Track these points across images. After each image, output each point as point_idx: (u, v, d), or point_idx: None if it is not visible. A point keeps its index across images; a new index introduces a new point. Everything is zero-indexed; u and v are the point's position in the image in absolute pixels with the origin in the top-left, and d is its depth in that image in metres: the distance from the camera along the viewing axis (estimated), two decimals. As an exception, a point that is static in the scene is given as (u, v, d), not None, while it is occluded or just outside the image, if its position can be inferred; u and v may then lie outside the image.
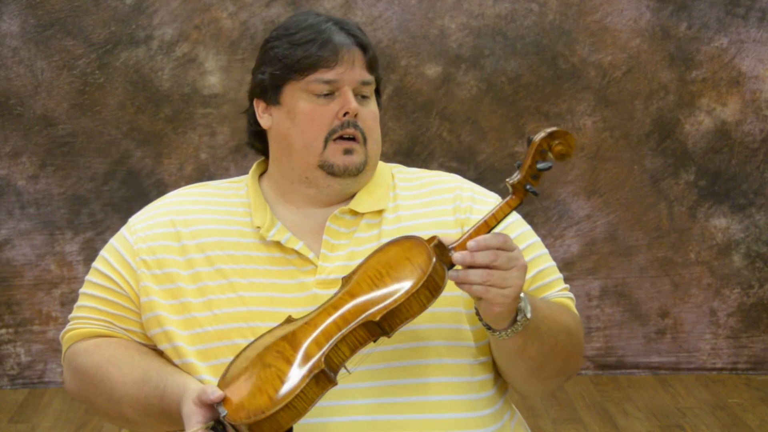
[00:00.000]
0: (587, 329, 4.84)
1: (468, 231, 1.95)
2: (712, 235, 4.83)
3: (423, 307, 1.91)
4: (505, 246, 1.91)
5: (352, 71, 2.13)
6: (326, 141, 2.12)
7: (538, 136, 1.95)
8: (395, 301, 1.91)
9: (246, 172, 2.25)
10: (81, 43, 4.67)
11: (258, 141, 2.24)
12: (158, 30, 4.68)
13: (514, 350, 2.03)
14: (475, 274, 1.91)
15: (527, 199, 1.97)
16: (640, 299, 4.85)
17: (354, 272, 1.99)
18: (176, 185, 4.64)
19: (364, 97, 2.16)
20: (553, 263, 2.19)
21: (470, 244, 1.91)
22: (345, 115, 2.12)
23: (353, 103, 2.12)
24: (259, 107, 2.20)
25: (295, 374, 1.90)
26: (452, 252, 1.93)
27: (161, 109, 4.71)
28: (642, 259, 4.84)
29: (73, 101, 4.68)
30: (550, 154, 1.96)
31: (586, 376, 4.83)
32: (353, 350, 1.92)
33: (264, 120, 2.19)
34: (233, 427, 1.91)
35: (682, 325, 4.86)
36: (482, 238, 1.91)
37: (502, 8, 4.72)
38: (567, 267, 4.80)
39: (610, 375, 4.85)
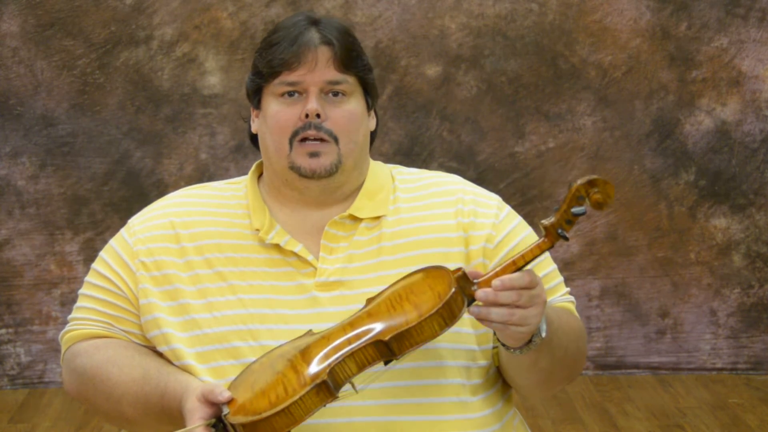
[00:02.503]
0: (587, 329, 4.84)
1: (495, 268, 1.95)
2: (712, 235, 4.83)
3: (435, 333, 1.91)
4: (530, 285, 1.90)
5: (314, 72, 2.10)
6: (291, 142, 2.11)
7: (578, 182, 1.95)
8: (407, 323, 1.91)
9: (246, 172, 2.24)
10: (81, 43, 4.67)
11: (257, 145, 2.24)
12: (158, 30, 4.68)
13: (526, 364, 2.03)
14: (496, 314, 1.90)
15: (558, 242, 1.97)
16: (640, 299, 4.85)
17: (379, 294, 2.00)
18: (176, 185, 4.64)
19: (336, 95, 2.12)
20: (554, 266, 2.19)
21: (495, 282, 1.89)
22: (307, 116, 2.11)
23: (312, 104, 2.09)
24: (253, 112, 2.21)
25: (299, 382, 1.91)
26: (476, 287, 1.93)
27: (161, 109, 4.71)
28: (642, 259, 4.84)
29: (73, 101, 4.68)
30: (587, 201, 1.96)
31: (586, 376, 4.82)
32: (360, 368, 1.92)
33: (254, 125, 2.20)
34: (232, 426, 1.92)
35: (682, 325, 4.86)
36: (508, 278, 1.90)
37: (502, 8, 4.72)
38: (567, 267, 4.80)
39: (610, 375, 4.85)
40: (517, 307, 1.89)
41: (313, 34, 2.12)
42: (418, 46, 4.72)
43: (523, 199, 4.78)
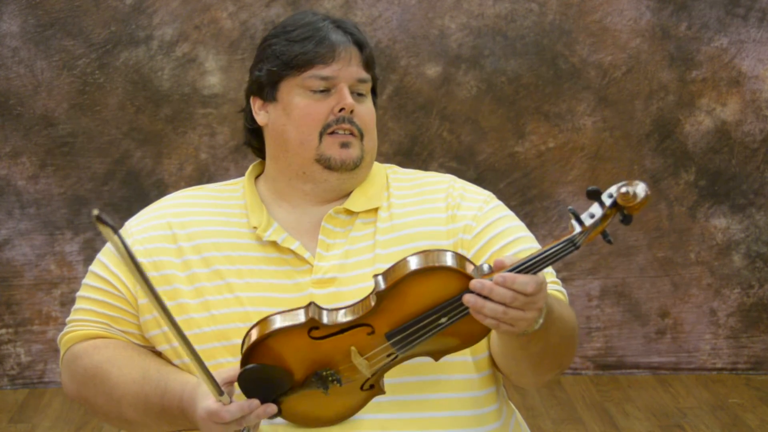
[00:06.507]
0: (587, 329, 4.84)
1: (515, 263, 1.90)
2: (712, 235, 4.83)
3: (415, 271, 1.91)
4: (531, 293, 1.87)
5: (348, 68, 2.15)
6: (321, 135, 2.14)
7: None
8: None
9: (245, 173, 2.26)
10: (81, 43, 4.67)
11: (255, 139, 2.25)
12: (158, 30, 4.68)
13: (517, 345, 2.02)
14: (489, 309, 1.88)
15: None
16: (640, 299, 4.85)
17: None
18: (176, 185, 4.64)
19: (360, 95, 2.18)
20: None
21: (497, 278, 1.86)
22: (341, 110, 2.14)
23: (349, 99, 2.14)
24: (256, 104, 2.21)
25: None
26: (483, 272, 1.91)
27: (161, 109, 4.71)
28: (642, 259, 4.84)
29: (73, 101, 4.69)
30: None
31: (586, 376, 4.83)
32: (354, 313, 1.95)
33: (260, 117, 2.21)
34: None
35: (682, 325, 4.86)
36: (511, 277, 1.86)
37: (502, 8, 4.72)
38: (567, 267, 4.80)
39: (610, 375, 4.85)
40: (512, 308, 1.88)
41: (341, 33, 2.17)
42: (418, 46, 4.73)
43: (523, 199, 4.78)
